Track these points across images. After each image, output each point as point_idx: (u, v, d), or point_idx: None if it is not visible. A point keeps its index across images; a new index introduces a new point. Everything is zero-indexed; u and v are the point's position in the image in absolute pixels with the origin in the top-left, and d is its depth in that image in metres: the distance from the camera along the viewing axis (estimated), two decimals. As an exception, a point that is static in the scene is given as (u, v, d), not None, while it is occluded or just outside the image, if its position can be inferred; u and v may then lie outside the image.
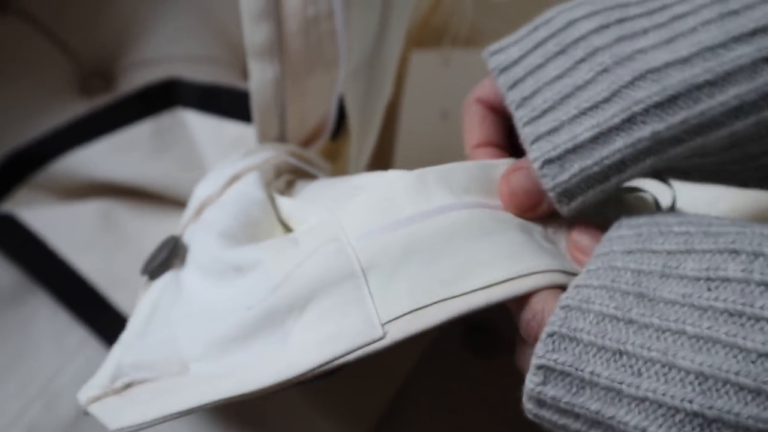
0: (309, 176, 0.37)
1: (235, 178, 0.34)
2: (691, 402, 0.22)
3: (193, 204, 0.35)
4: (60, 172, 0.54)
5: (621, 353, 0.23)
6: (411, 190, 0.27)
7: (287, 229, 0.34)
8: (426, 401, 0.62)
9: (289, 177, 0.36)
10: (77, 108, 0.57)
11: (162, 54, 0.62)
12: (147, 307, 0.33)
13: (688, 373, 0.22)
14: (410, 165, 0.30)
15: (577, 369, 0.24)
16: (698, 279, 0.23)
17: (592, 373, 0.24)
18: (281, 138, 0.37)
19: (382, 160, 0.45)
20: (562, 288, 0.26)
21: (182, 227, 0.35)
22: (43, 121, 0.56)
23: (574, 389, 0.24)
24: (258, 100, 0.35)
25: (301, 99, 0.36)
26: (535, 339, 0.26)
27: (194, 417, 0.54)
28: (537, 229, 0.28)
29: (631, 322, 0.23)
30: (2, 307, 0.53)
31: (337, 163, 0.41)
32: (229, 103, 0.48)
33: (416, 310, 0.25)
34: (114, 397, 0.31)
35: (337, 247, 0.27)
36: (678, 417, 0.22)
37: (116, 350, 0.33)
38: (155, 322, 0.32)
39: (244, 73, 0.66)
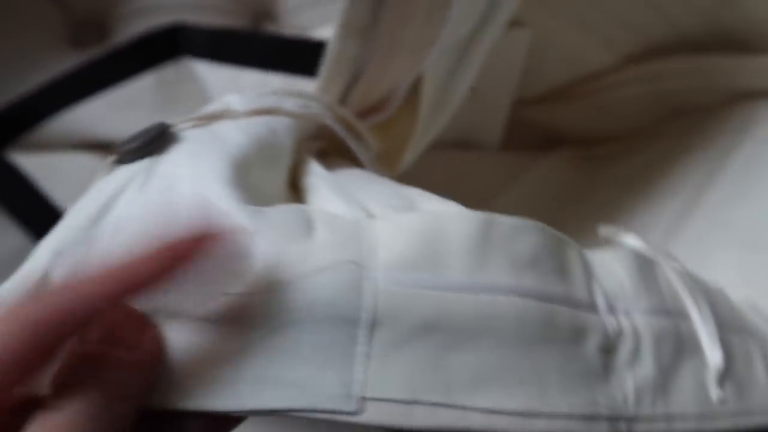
0: (343, 156, 0.31)
1: (269, 112, 0.28)
2: None
3: (211, 106, 0.28)
4: (53, 133, 0.49)
5: None
6: (469, 247, 0.23)
7: (295, 191, 0.28)
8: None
9: (324, 145, 0.31)
10: (68, 62, 0.52)
11: (161, 1, 0.58)
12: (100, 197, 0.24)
13: None
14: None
15: None
16: None
17: None
18: (342, 101, 0.32)
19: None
20: None
21: (180, 120, 0.27)
22: (30, 76, 0.51)
23: None
24: (333, 56, 0.30)
25: (381, 71, 0.31)
26: None
27: None
28: (595, 335, 0.24)
29: None
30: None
31: (384, 141, 0.35)
32: (245, 50, 0.43)
33: (406, 402, 0.21)
34: None
35: (354, 278, 0.21)
36: None
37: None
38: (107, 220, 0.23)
39: (252, 23, 0.61)
